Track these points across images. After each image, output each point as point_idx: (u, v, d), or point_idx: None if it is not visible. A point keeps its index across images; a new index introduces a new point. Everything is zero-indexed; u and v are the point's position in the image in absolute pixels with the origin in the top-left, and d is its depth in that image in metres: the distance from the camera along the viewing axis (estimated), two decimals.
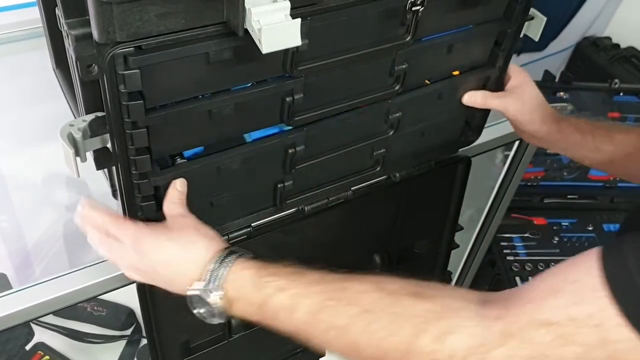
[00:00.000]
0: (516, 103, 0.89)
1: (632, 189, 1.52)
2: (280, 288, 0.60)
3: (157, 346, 0.88)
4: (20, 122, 1.17)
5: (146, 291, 0.80)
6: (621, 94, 1.58)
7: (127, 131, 0.62)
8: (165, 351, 0.89)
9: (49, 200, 1.30)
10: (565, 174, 1.57)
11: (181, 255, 0.66)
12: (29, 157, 1.21)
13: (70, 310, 1.37)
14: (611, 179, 1.56)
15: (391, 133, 0.86)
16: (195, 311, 0.65)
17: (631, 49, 1.95)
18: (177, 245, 0.66)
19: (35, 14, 1.11)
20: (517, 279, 1.44)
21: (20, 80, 1.15)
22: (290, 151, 0.77)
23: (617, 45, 1.97)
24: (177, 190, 0.70)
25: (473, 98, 0.90)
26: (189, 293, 0.64)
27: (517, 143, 1.15)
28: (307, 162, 0.80)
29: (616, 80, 1.56)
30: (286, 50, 0.67)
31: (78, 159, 0.63)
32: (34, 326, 1.34)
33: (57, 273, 0.80)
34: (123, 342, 1.40)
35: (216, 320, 0.65)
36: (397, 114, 0.83)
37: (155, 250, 0.66)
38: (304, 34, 0.59)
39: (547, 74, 1.55)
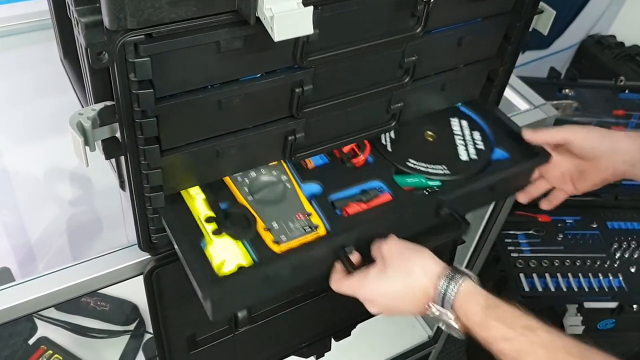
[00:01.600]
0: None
1: (636, 186, 1.52)
2: (505, 338, 0.64)
3: (164, 340, 0.87)
4: (23, 117, 1.16)
5: (153, 285, 0.80)
6: (626, 91, 1.58)
7: (137, 120, 0.62)
8: (172, 345, 0.89)
9: (52, 195, 1.30)
10: None
11: (407, 287, 0.71)
12: (32, 151, 1.21)
13: (74, 305, 1.37)
14: None
15: (393, 123, 0.85)
16: (439, 324, 0.71)
17: (636, 47, 1.94)
18: (398, 282, 0.71)
19: (38, 7, 1.11)
20: (521, 275, 1.44)
21: (24, 73, 1.14)
22: (290, 138, 0.76)
23: (622, 44, 1.96)
24: None
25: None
26: (428, 314, 0.70)
27: None
28: (306, 151, 0.80)
29: (621, 78, 1.56)
30: (296, 41, 0.66)
31: (87, 148, 0.63)
32: (37, 321, 1.34)
33: (60, 267, 0.80)
34: (126, 337, 1.39)
35: (456, 334, 0.70)
36: (399, 104, 0.83)
37: (383, 295, 0.72)
38: (314, 24, 0.58)
39: (553, 70, 1.55)
